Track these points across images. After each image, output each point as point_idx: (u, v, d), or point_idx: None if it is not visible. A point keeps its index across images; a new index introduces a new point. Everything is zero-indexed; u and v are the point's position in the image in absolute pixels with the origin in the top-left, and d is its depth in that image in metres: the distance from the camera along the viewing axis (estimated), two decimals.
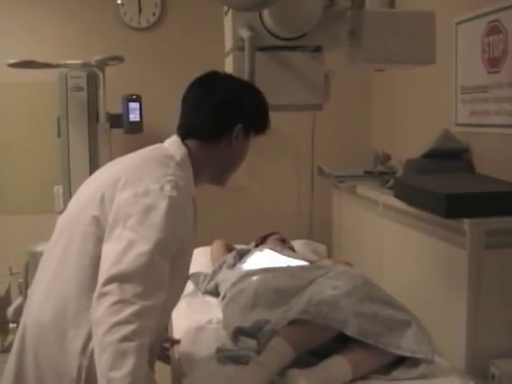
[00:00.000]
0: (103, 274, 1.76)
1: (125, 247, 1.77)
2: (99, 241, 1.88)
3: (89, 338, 1.83)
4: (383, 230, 3.53)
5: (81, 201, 2.02)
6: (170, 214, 1.82)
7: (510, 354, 2.62)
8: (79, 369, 1.86)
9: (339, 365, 2.27)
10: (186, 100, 2.16)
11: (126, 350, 1.67)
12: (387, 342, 2.32)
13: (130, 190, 1.86)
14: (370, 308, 2.41)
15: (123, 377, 1.65)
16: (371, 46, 2.47)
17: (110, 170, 2.06)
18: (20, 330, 2.03)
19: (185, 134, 2.12)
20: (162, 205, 1.82)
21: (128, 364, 1.66)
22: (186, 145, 2.08)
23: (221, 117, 2.10)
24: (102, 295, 1.73)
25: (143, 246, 1.76)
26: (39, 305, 1.98)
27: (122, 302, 1.70)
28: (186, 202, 1.93)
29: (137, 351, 1.68)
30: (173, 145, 2.09)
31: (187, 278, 2.29)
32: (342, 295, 2.42)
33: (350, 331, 2.31)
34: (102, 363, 1.69)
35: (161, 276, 1.80)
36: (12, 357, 2.01)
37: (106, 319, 1.70)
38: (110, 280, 1.73)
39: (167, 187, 1.86)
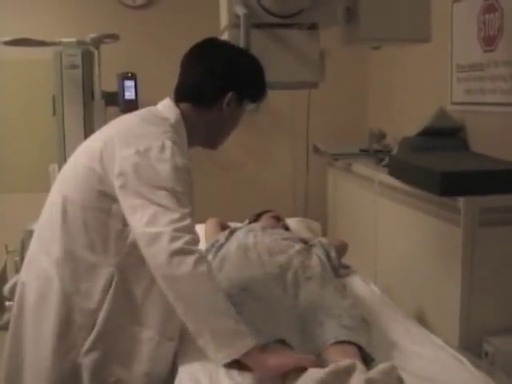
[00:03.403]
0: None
1: (151, 217, 1.83)
2: (100, 194, 1.94)
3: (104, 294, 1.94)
4: (378, 207, 3.54)
5: (70, 167, 2.08)
6: (175, 168, 1.88)
7: (503, 331, 2.64)
8: (92, 324, 1.96)
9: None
10: (183, 63, 2.16)
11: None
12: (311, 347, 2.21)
13: (131, 147, 1.90)
14: None
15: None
16: (367, 24, 2.47)
17: (107, 130, 2.08)
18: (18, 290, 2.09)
19: (179, 96, 2.14)
20: (166, 159, 1.88)
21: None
22: (179, 107, 2.10)
23: (214, 81, 2.09)
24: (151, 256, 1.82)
25: (168, 212, 1.83)
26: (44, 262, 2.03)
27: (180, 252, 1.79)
28: (185, 159, 1.95)
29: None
30: (166, 107, 2.10)
31: None
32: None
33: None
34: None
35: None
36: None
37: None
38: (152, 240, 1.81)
39: (168, 143, 1.90)
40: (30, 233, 3.92)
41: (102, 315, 1.95)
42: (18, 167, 4.59)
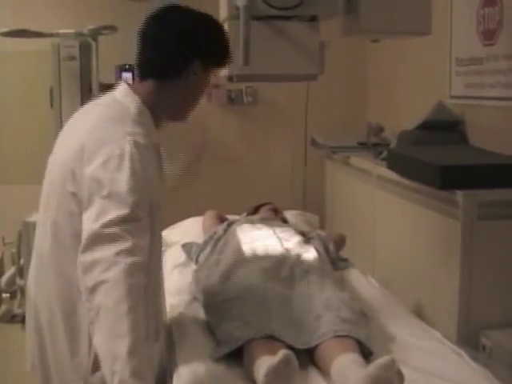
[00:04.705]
0: (83, 239, 1.78)
1: (95, 216, 1.77)
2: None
3: None
4: (376, 200, 3.54)
5: (57, 171, 2.00)
6: (133, 176, 1.82)
7: (501, 325, 2.64)
8: (90, 341, 1.87)
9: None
10: (142, 35, 2.09)
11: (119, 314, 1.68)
12: (306, 341, 2.23)
13: (94, 162, 1.85)
14: None
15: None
16: (367, 16, 2.45)
17: (74, 137, 2.00)
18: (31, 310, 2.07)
19: (142, 74, 2.06)
20: (125, 168, 1.82)
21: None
22: (137, 92, 2.02)
23: (178, 53, 2.01)
24: (85, 267, 1.75)
25: (118, 211, 1.77)
26: (47, 295, 2.00)
27: (107, 263, 1.72)
28: (146, 158, 1.90)
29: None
30: (125, 97, 2.01)
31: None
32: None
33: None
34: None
35: (140, 229, 1.81)
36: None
37: (93, 286, 1.72)
38: (91, 243, 1.75)
39: (127, 149, 1.84)
40: (27, 225, 3.96)
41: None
42: (15, 159, 4.58)
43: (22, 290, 4.20)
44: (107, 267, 1.71)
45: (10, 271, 4.39)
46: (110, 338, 1.68)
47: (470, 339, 2.62)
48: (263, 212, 3.48)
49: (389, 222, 3.41)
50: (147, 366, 1.71)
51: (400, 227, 3.26)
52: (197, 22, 2.06)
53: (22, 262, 4.18)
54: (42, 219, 2.04)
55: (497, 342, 2.54)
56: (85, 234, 1.77)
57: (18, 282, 4.24)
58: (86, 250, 1.75)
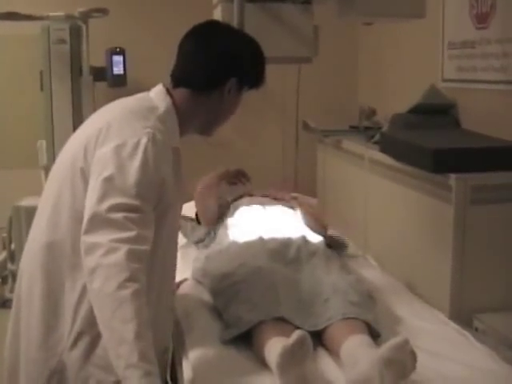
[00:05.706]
0: (83, 225, 1.77)
1: (99, 197, 1.77)
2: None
3: (84, 290, 1.83)
4: (369, 184, 3.54)
5: (69, 152, 2.00)
6: (143, 167, 1.82)
7: (494, 308, 2.65)
8: (73, 320, 1.87)
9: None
10: (182, 47, 2.11)
11: (123, 298, 1.67)
12: (314, 323, 2.25)
13: (108, 144, 1.86)
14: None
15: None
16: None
17: (95, 121, 2.02)
18: (17, 285, 2.03)
19: (177, 81, 2.08)
20: (137, 158, 1.82)
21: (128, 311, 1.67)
22: (171, 95, 2.04)
23: (217, 68, 2.05)
24: (88, 247, 1.73)
25: (120, 198, 1.77)
26: (33, 260, 1.97)
27: (109, 247, 1.71)
28: (162, 155, 1.90)
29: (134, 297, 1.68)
30: (157, 95, 2.04)
31: (178, 229, 2.27)
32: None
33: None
34: (102, 313, 1.71)
35: (145, 221, 1.80)
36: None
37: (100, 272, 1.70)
38: (94, 225, 1.74)
39: (144, 140, 1.85)
40: (18, 209, 3.94)
41: (83, 309, 1.87)
42: (5, 143, 4.55)
43: (14, 275, 4.18)
44: (109, 251, 1.70)
45: (1, 256, 4.38)
46: (114, 322, 1.66)
47: (462, 322, 2.63)
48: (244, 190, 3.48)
49: (381, 205, 3.41)
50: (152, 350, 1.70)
51: (392, 211, 3.26)
52: (238, 41, 2.10)
53: (13, 246, 4.17)
54: (46, 192, 2.02)
55: (489, 325, 2.55)
56: (88, 215, 1.76)
57: (10, 266, 4.23)
58: (89, 232, 1.75)
